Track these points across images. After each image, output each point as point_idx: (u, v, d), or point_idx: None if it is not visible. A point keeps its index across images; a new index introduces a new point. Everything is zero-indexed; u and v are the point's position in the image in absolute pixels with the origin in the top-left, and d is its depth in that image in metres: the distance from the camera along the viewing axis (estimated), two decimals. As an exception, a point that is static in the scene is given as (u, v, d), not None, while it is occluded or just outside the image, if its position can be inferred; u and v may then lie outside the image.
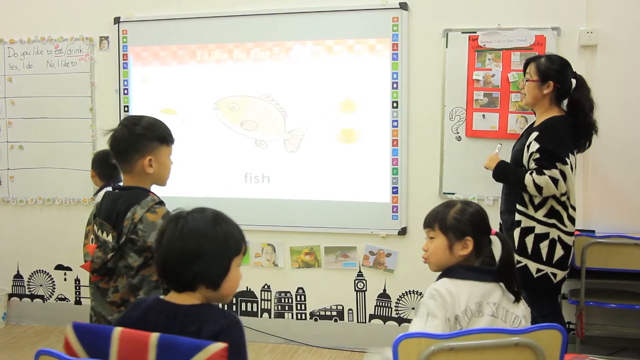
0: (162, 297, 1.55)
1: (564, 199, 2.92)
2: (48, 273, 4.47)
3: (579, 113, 3.01)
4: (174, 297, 1.50)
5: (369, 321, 3.96)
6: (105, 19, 4.21)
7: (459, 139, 3.74)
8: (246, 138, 4.03)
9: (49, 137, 4.32)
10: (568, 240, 2.96)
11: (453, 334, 1.67)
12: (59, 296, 4.46)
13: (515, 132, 3.62)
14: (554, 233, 2.93)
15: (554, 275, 2.94)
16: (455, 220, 1.94)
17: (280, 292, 4.07)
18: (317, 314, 4.03)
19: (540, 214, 2.93)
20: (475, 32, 3.67)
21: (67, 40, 4.29)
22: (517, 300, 1.88)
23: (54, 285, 4.47)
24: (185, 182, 4.06)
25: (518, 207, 2.99)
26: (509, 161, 3.14)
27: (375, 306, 3.95)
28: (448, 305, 1.81)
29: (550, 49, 3.57)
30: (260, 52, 3.98)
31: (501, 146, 3.29)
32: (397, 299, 3.92)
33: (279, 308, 4.08)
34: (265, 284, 4.08)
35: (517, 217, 2.99)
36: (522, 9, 3.64)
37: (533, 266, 2.93)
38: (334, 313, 4.01)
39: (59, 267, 4.45)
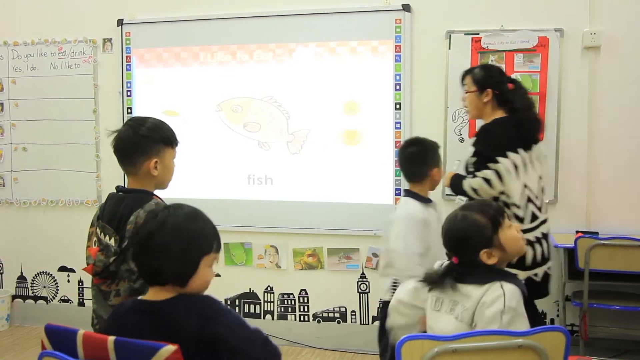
0: (140, 297, 1.58)
1: (503, 197, 2.87)
2: (51, 275, 4.48)
3: (518, 112, 2.98)
4: (150, 294, 1.54)
5: (372, 323, 3.95)
6: (109, 21, 4.22)
7: (461, 140, 3.73)
8: (249, 140, 4.03)
9: (53, 139, 4.33)
10: (530, 237, 2.86)
11: (456, 336, 1.66)
12: (62, 298, 4.47)
13: (518, 133, 3.61)
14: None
15: (536, 275, 2.88)
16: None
17: (283, 294, 4.07)
18: (320, 315, 4.03)
19: None
20: (478, 34, 3.67)
21: (71, 42, 4.30)
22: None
23: (57, 286, 4.47)
24: (189, 184, 4.06)
25: None
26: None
27: (378, 308, 3.95)
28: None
29: (554, 50, 3.57)
30: (263, 54, 3.98)
31: (460, 162, 3.24)
32: (400, 301, 3.91)
33: (282, 310, 4.08)
34: (268, 286, 4.08)
35: None
36: (525, 10, 3.63)
37: (521, 274, 2.75)
38: (337, 315, 4.01)
39: (62, 268, 4.45)
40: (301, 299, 4.05)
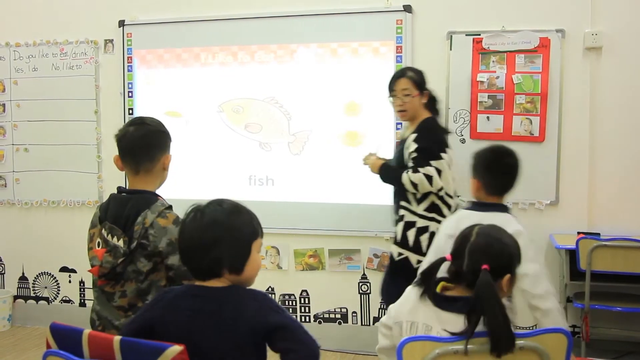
0: (194, 283, 1.64)
1: (442, 193, 3.07)
2: (53, 275, 4.48)
3: (438, 113, 3.26)
4: (205, 284, 1.61)
5: (373, 324, 3.95)
6: (110, 22, 4.22)
7: (463, 141, 3.73)
8: (250, 140, 4.03)
9: (54, 139, 4.34)
10: None
11: (457, 338, 1.66)
12: (64, 298, 4.47)
13: (519, 134, 3.61)
14: (433, 226, 3.05)
15: None
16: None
17: (284, 295, 4.07)
18: (321, 316, 4.03)
19: (421, 209, 3.09)
20: (480, 35, 3.67)
21: (72, 43, 4.30)
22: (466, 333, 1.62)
23: (59, 287, 4.48)
24: (190, 184, 4.07)
25: (402, 203, 3.14)
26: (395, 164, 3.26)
27: (379, 309, 3.94)
28: (399, 308, 1.88)
29: (555, 51, 3.57)
30: (264, 55, 3.99)
31: (380, 145, 3.41)
32: (402, 302, 3.90)
33: (283, 310, 4.07)
34: (269, 287, 4.08)
35: (401, 212, 3.15)
36: (527, 11, 3.63)
37: (414, 258, 3.06)
38: (338, 316, 4.01)
39: (64, 269, 4.46)
40: (302, 299, 4.05)
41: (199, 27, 4.07)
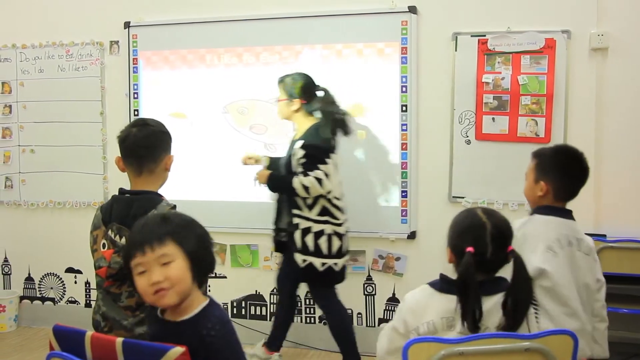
0: None
1: (330, 196, 3.27)
2: (58, 276, 4.50)
3: (326, 118, 3.33)
4: None
5: (379, 325, 3.95)
6: (116, 23, 4.23)
7: (468, 142, 3.72)
8: (255, 142, 4.03)
9: (60, 140, 4.35)
10: (341, 230, 3.33)
11: (463, 339, 1.66)
12: (70, 299, 4.49)
13: (525, 135, 3.61)
14: (328, 229, 3.27)
15: (336, 264, 3.30)
16: (449, 227, 1.90)
17: (289, 296, 4.06)
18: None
19: (314, 214, 3.26)
20: (485, 36, 3.66)
21: (78, 44, 4.32)
22: (512, 327, 1.70)
23: (65, 288, 4.49)
24: (195, 185, 4.07)
25: (294, 211, 3.29)
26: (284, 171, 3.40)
27: (384, 310, 3.94)
28: (408, 317, 1.82)
29: (561, 52, 3.56)
30: (269, 56, 3.99)
31: (267, 158, 3.58)
32: (407, 303, 3.90)
33: (288, 312, 4.07)
34: (275, 288, 4.08)
35: (295, 220, 3.28)
36: (532, 11, 3.62)
37: (317, 262, 3.25)
38: (343, 317, 4.00)
39: (70, 270, 4.47)
40: (307, 301, 4.05)
41: (204, 28, 4.08)
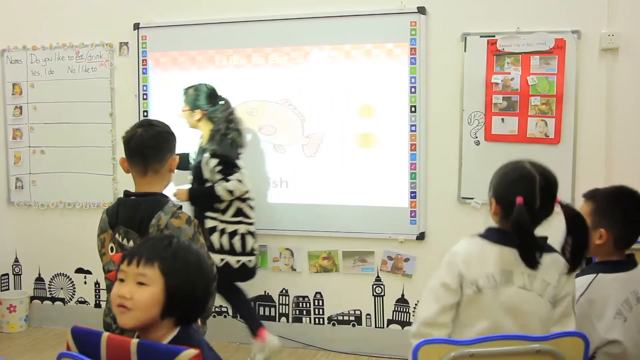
0: None
1: (246, 196, 3.55)
2: (68, 276, 4.52)
3: (218, 125, 3.54)
4: None
5: (387, 326, 3.95)
6: (125, 25, 4.25)
7: (477, 143, 3.72)
8: (264, 143, 4.04)
9: (70, 142, 4.37)
10: (253, 229, 3.61)
11: (473, 340, 1.66)
12: (79, 299, 4.51)
13: (535, 135, 3.59)
14: (242, 228, 3.55)
15: (250, 261, 3.58)
16: (492, 179, 1.93)
17: (298, 297, 4.07)
18: (335, 318, 4.03)
19: (228, 216, 3.53)
20: (494, 36, 3.65)
21: (88, 46, 4.34)
22: (571, 269, 1.81)
23: (74, 288, 4.51)
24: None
25: (210, 214, 3.52)
26: (193, 178, 3.62)
27: (393, 311, 3.94)
28: (459, 270, 1.80)
29: (571, 52, 3.54)
30: (278, 57, 3.99)
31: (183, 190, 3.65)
32: (416, 304, 3.89)
33: (297, 312, 4.08)
34: (283, 289, 4.09)
35: (212, 223, 3.52)
36: (542, 12, 3.61)
37: (232, 259, 3.51)
38: (352, 318, 4.00)
39: (79, 270, 4.49)
40: (316, 301, 4.05)
41: (213, 29, 4.09)
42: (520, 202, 1.76)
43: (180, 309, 1.47)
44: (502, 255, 1.79)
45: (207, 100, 3.61)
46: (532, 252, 1.76)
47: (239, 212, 3.54)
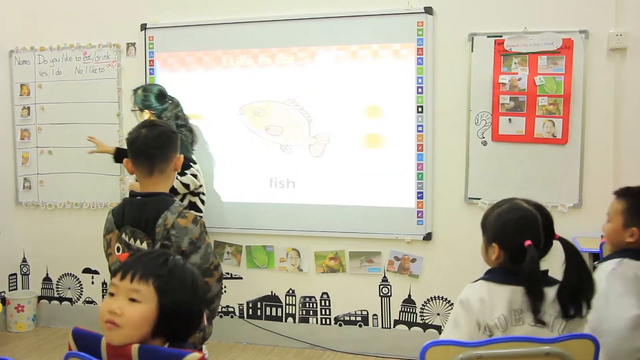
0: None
1: (199, 190, 3.63)
2: (76, 276, 4.54)
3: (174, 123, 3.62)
4: None
5: (394, 327, 3.94)
6: (132, 25, 4.26)
7: (484, 143, 3.71)
8: (271, 143, 4.04)
9: (78, 142, 4.38)
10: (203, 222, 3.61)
11: (481, 342, 1.65)
12: (87, 299, 4.52)
13: (542, 136, 3.59)
14: None
15: None
16: (490, 224, 1.88)
17: (304, 297, 4.07)
18: (342, 319, 4.03)
19: None
20: (501, 36, 3.64)
21: (95, 47, 4.35)
22: (574, 315, 1.74)
23: (82, 288, 4.53)
24: (210, 186, 4.09)
25: None
26: None
27: (400, 312, 3.93)
28: (476, 314, 1.76)
29: (578, 52, 3.53)
30: (285, 58, 3.99)
31: (128, 178, 3.94)
32: (422, 305, 3.89)
33: (304, 313, 4.08)
34: (290, 289, 4.09)
35: None
36: (549, 12, 3.59)
37: None
38: (359, 318, 4.00)
39: (87, 270, 4.51)
40: (323, 302, 4.05)
41: (220, 30, 4.09)
42: (531, 245, 1.75)
43: (171, 328, 1.41)
44: (511, 295, 1.76)
45: (155, 101, 3.69)
46: (541, 291, 1.74)
47: (192, 206, 3.59)
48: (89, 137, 4.08)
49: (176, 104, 3.76)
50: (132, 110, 3.78)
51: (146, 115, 3.67)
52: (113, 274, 1.44)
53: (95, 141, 4.05)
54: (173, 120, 3.65)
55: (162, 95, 3.73)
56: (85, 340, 1.45)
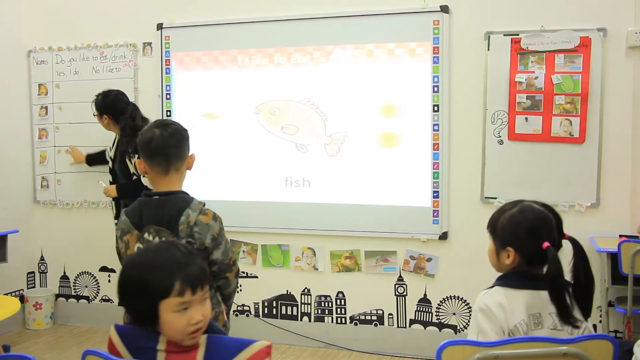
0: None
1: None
2: (93, 275, 4.57)
3: (132, 131, 3.69)
4: None
5: (410, 326, 3.93)
6: (149, 25, 4.29)
7: (501, 142, 3.68)
8: (287, 142, 4.05)
9: (94, 141, 4.41)
10: None
11: (498, 342, 1.63)
12: (104, 297, 4.56)
13: (559, 135, 3.56)
14: None
15: None
16: (501, 228, 1.85)
17: (320, 296, 4.07)
18: (357, 318, 4.02)
19: None
20: (518, 35, 3.61)
21: (112, 46, 4.38)
22: (581, 316, 1.75)
23: (99, 286, 4.57)
24: (227, 185, 4.10)
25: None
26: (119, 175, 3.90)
27: (415, 311, 3.92)
28: (499, 320, 1.75)
29: (596, 50, 3.50)
30: (300, 57, 4.00)
31: (102, 183, 3.98)
32: (438, 304, 3.88)
33: (319, 312, 4.08)
34: (306, 288, 4.09)
35: None
36: (567, 10, 3.56)
37: None
38: (374, 317, 3.99)
39: (103, 268, 4.54)
40: (338, 301, 4.05)
41: (235, 29, 4.10)
42: (550, 247, 1.74)
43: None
44: (529, 299, 1.76)
45: (113, 105, 3.85)
46: (564, 294, 1.73)
47: None
48: (70, 147, 4.39)
49: (133, 107, 3.90)
50: (94, 115, 3.95)
51: (105, 119, 3.87)
52: (180, 292, 1.39)
53: (72, 154, 4.37)
54: (130, 121, 3.79)
55: (118, 100, 3.87)
56: (137, 336, 1.47)
